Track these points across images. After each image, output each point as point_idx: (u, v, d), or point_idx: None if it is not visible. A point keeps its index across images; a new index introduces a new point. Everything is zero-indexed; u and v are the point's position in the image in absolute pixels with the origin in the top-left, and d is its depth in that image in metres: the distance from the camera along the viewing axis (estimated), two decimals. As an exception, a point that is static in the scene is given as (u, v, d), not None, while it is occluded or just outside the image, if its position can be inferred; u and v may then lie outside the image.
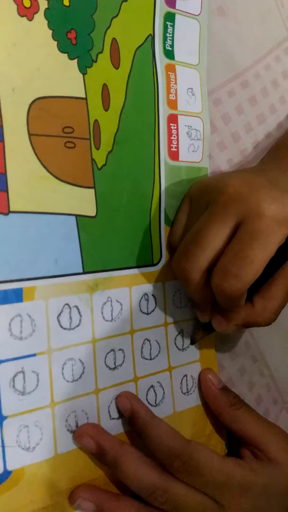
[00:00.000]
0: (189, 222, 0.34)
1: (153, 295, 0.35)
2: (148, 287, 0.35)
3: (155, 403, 0.35)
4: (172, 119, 0.36)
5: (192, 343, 0.38)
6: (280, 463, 0.33)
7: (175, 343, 0.37)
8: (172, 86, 0.36)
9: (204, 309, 0.35)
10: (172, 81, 0.36)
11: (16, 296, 0.28)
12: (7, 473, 0.28)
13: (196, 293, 0.33)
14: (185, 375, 0.37)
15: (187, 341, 0.37)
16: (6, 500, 0.28)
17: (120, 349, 0.33)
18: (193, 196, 0.35)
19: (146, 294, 0.35)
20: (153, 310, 0.35)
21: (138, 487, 0.30)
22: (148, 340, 0.35)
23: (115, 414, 0.33)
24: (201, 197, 0.33)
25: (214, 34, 0.38)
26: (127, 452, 0.30)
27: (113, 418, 0.33)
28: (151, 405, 0.35)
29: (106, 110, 0.32)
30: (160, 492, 0.30)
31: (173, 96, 0.36)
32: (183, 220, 0.35)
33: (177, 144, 0.36)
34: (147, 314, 0.35)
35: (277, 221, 0.29)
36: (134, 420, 0.32)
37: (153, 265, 0.35)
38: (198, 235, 0.31)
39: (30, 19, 0.29)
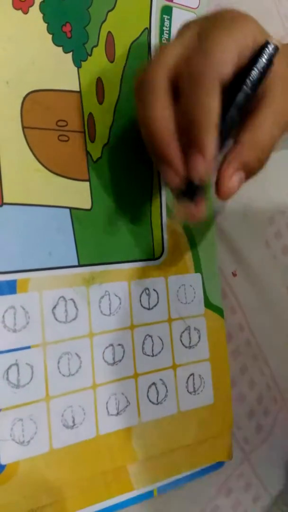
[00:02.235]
0: None
1: (154, 289, 0.35)
2: (149, 282, 0.34)
3: (157, 401, 0.34)
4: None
5: (174, 217, 0.33)
6: None
7: (181, 340, 0.36)
8: (168, 79, 0.35)
9: (171, 157, 0.28)
10: (168, 75, 0.35)
11: (10, 287, 0.28)
12: (1, 467, 0.28)
13: (159, 110, 0.27)
14: (192, 374, 0.36)
15: (195, 339, 0.36)
16: (0, 495, 0.27)
17: (119, 344, 0.33)
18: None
19: (147, 288, 0.34)
20: (155, 305, 0.35)
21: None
22: (150, 336, 0.34)
23: (113, 410, 0.32)
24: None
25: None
26: None
27: (111, 415, 0.32)
28: (152, 403, 0.34)
29: (101, 103, 0.32)
30: None
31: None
32: None
33: None
34: (149, 309, 0.34)
35: (245, 19, 0.27)
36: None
37: (154, 259, 0.35)
38: (161, 47, 0.28)
39: (25, 12, 0.29)
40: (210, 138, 0.27)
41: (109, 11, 0.32)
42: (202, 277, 0.37)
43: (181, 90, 0.27)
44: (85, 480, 0.31)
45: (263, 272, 0.40)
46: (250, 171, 0.29)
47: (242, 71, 0.27)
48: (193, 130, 0.27)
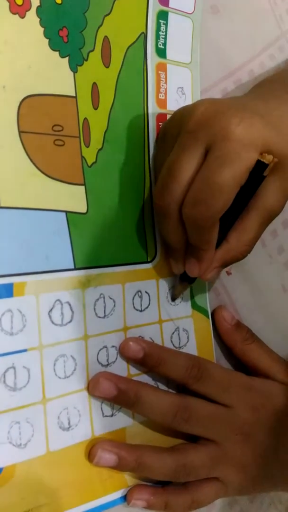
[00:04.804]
0: (166, 157, 0.32)
1: (146, 292, 0.35)
2: (141, 284, 0.35)
3: (150, 401, 0.35)
4: (162, 118, 0.36)
5: (173, 299, 0.37)
6: (281, 383, 0.37)
7: (171, 341, 0.37)
8: (162, 85, 0.36)
9: (178, 256, 0.34)
10: (162, 80, 0.36)
11: (6, 291, 0.28)
12: (-2, 470, 0.28)
13: (172, 232, 0.32)
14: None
15: (184, 339, 0.37)
16: (-3, 497, 0.28)
17: (113, 346, 0.33)
18: (166, 128, 0.34)
19: (139, 291, 0.35)
20: (147, 307, 0.35)
21: (162, 413, 0.33)
22: (142, 338, 0.35)
23: (108, 411, 0.33)
24: (172, 127, 0.32)
25: (207, 33, 0.39)
26: (145, 385, 0.33)
27: (106, 416, 0.33)
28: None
29: (96, 108, 0.33)
30: (183, 408, 0.33)
31: (163, 96, 0.36)
32: (162, 158, 0.33)
33: None
34: (141, 311, 0.35)
35: (243, 144, 0.28)
36: (148, 356, 0.34)
37: (147, 262, 0.35)
38: (171, 167, 0.30)
39: (22, 17, 0.29)
40: (209, 255, 0.32)
41: (105, 15, 0.33)
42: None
43: (185, 220, 0.30)
44: (81, 480, 0.31)
45: (258, 271, 0.41)
46: (231, 263, 0.34)
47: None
48: (195, 246, 0.32)
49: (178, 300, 0.37)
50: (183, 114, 0.31)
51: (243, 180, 0.29)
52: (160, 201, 0.31)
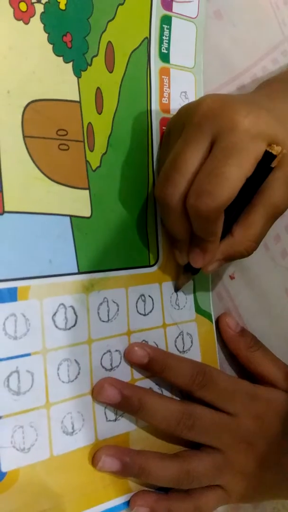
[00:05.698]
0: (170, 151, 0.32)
1: (150, 296, 0.35)
2: (145, 288, 0.35)
3: (153, 405, 0.35)
4: (165, 122, 0.36)
5: (176, 290, 0.37)
6: (285, 391, 0.37)
7: (175, 345, 0.37)
8: (165, 90, 0.36)
9: (183, 247, 0.34)
10: (166, 85, 0.36)
11: (10, 295, 0.28)
12: (1, 475, 0.28)
13: (176, 223, 0.32)
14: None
15: (188, 343, 0.37)
16: (1, 502, 0.28)
17: (116, 350, 0.33)
18: (171, 124, 0.34)
19: (143, 295, 0.35)
20: (150, 311, 0.35)
21: (166, 420, 0.33)
22: (146, 342, 0.35)
23: (111, 416, 0.33)
24: (177, 122, 0.32)
25: (210, 37, 0.39)
26: (149, 392, 0.33)
27: (110, 420, 0.32)
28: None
29: (100, 113, 0.33)
30: (187, 416, 0.33)
31: (166, 100, 0.36)
32: (166, 154, 0.33)
33: None
34: (145, 315, 0.35)
35: (251, 135, 0.28)
36: (153, 362, 0.34)
37: (150, 266, 0.35)
38: (176, 159, 0.30)
39: (26, 23, 0.30)
40: (214, 246, 0.32)
41: (109, 21, 0.33)
42: (194, 283, 0.38)
43: (189, 212, 0.30)
44: (84, 485, 0.31)
45: (261, 275, 0.41)
46: (235, 258, 0.34)
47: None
48: (200, 237, 0.31)
49: (182, 303, 0.37)
50: (189, 108, 0.31)
51: (250, 171, 0.28)
52: (162, 193, 0.31)
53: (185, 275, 0.36)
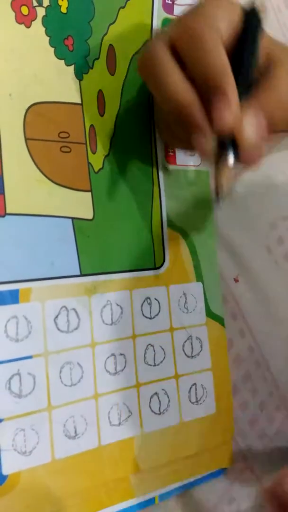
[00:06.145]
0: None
1: (156, 299, 0.35)
2: (150, 291, 0.35)
3: (159, 411, 0.34)
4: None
5: (220, 199, 0.27)
6: None
7: (183, 350, 0.36)
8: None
9: (198, 119, 0.26)
10: (168, 86, 0.36)
11: (12, 297, 0.28)
12: (2, 478, 0.28)
13: (175, 85, 0.26)
14: (194, 384, 0.36)
15: (197, 348, 0.37)
16: (2, 505, 0.27)
17: (121, 354, 0.33)
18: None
19: (148, 298, 0.35)
20: (157, 315, 0.35)
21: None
22: (152, 346, 0.35)
23: (115, 420, 0.32)
24: None
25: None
26: None
27: (113, 425, 0.32)
28: (154, 413, 0.34)
29: (102, 115, 0.33)
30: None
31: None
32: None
33: (174, 149, 0.36)
34: (150, 318, 0.35)
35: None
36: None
37: (155, 268, 0.35)
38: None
39: (28, 26, 0.30)
40: (229, 80, 0.25)
41: (110, 24, 0.33)
42: (203, 286, 0.37)
43: (185, 56, 0.26)
44: (86, 489, 0.30)
45: (265, 278, 0.40)
46: (272, 118, 0.27)
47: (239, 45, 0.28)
48: (209, 83, 0.25)
49: (191, 307, 0.36)
50: None
51: (234, 16, 0.28)
52: (149, 47, 0.27)
53: (222, 169, 0.26)
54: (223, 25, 0.27)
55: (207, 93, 0.26)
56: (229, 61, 0.26)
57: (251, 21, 0.29)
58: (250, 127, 0.26)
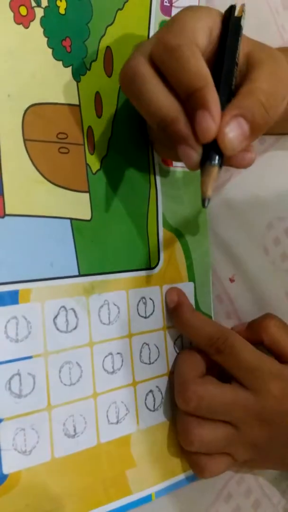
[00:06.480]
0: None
1: (150, 298, 0.35)
2: (145, 291, 0.35)
3: (154, 408, 0.35)
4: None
5: (205, 202, 0.28)
6: None
7: (175, 348, 0.37)
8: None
9: (181, 127, 0.26)
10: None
11: (12, 298, 0.29)
12: (3, 477, 0.28)
13: (157, 94, 0.27)
14: (186, 381, 0.37)
15: (188, 345, 0.37)
16: (2, 504, 0.28)
17: (118, 353, 0.33)
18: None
19: (143, 297, 0.35)
20: (151, 314, 0.35)
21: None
22: (147, 344, 0.35)
23: (113, 418, 0.33)
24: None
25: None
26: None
27: (112, 423, 0.32)
28: (149, 409, 0.35)
29: (100, 117, 0.33)
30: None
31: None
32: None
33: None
34: (145, 317, 0.35)
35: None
36: (179, 311, 0.35)
37: (150, 268, 0.35)
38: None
39: (26, 27, 0.30)
40: (210, 92, 0.26)
41: (108, 26, 0.33)
42: (195, 286, 0.38)
43: (165, 71, 0.27)
44: (85, 487, 0.31)
45: (261, 278, 0.41)
46: (254, 121, 0.27)
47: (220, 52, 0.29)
48: (191, 97, 0.26)
49: None
50: None
51: (213, 24, 0.29)
52: (130, 62, 0.28)
53: (208, 172, 0.27)
54: (201, 36, 0.28)
55: (189, 105, 0.26)
56: (211, 69, 0.27)
57: (230, 27, 0.29)
58: (232, 133, 0.26)
